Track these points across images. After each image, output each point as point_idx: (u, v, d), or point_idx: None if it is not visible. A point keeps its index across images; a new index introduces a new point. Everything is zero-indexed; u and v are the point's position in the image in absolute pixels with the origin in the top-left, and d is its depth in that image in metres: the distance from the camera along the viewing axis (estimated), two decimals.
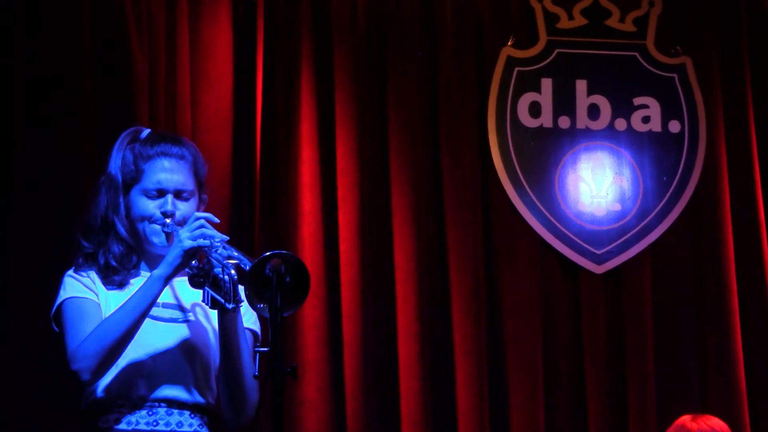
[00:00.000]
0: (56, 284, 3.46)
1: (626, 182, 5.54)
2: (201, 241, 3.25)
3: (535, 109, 5.53)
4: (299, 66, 5.31)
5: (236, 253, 3.22)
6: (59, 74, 5.01)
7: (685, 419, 4.59)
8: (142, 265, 3.49)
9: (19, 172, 4.94)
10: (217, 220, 3.32)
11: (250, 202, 5.20)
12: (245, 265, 3.15)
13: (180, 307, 3.45)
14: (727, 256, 5.47)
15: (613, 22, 5.62)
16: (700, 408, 5.07)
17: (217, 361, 3.42)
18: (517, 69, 5.53)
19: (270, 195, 5.24)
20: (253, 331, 3.47)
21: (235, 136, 5.24)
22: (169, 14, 5.20)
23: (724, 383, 5.38)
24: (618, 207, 5.53)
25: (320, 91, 5.33)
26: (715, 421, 4.58)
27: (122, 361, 3.33)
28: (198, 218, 3.30)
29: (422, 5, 5.47)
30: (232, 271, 3.18)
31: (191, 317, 3.45)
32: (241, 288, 3.21)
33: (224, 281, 3.22)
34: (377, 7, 5.43)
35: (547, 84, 5.55)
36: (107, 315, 3.34)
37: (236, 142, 5.24)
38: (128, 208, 3.46)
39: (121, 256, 3.45)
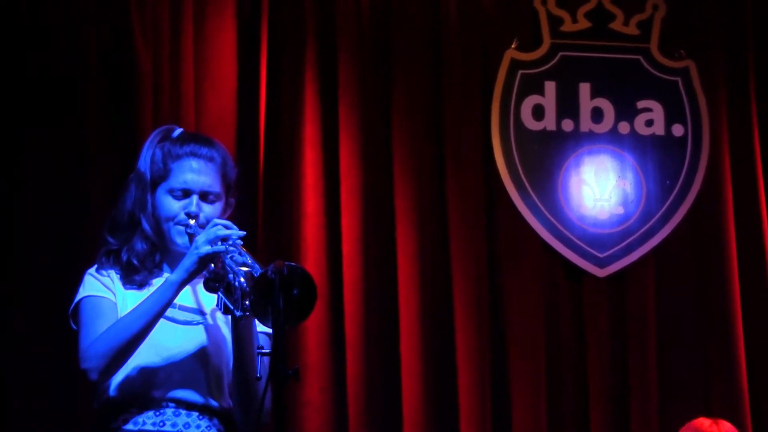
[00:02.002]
0: (65, 283, 3.46)
1: (629, 186, 5.54)
2: (216, 247, 3.24)
3: (538, 112, 5.53)
4: (303, 68, 5.31)
5: (250, 261, 3.19)
6: (64, 75, 5.02)
7: (703, 423, 4.60)
8: (164, 266, 3.48)
9: (24, 172, 4.96)
10: (233, 226, 3.30)
11: (254, 203, 5.20)
12: (257, 274, 3.13)
13: (199, 311, 3.45)
14: (729, 260, 5.47)
15: (617, 25, 5.62)
16: (702, 411, 5.07)
17: (231, 365, 3.42)
18: (520, 72, 5.53)
19: (273, 196, 5.24)
20: (270, 336, 3.41)
21: (238, 137, 5.24)
22: (173, 16, 5.20)
23: (726, 386, 5.39)
24: (621, 210, 5.53)
25: (324, 93, 5.33)
26: (727, 426, 4.60)
27: (135, 362, 3.32)
28: (216, 224, 3.29)
29: (427, 8, 5.47)
30: (242, 279, 3.16)
31: (209, 320, 3.44)
32: None
33: (236, 288, 3.21)
34: (382, 10, 5.43)
35: (550, 87, 5.56)
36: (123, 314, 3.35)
37: (240, 144, 5.23)
38: (155, 207, 3.45)
39: (144, 255, 3.44)
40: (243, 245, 3.27)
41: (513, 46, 5.54)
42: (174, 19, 5.19)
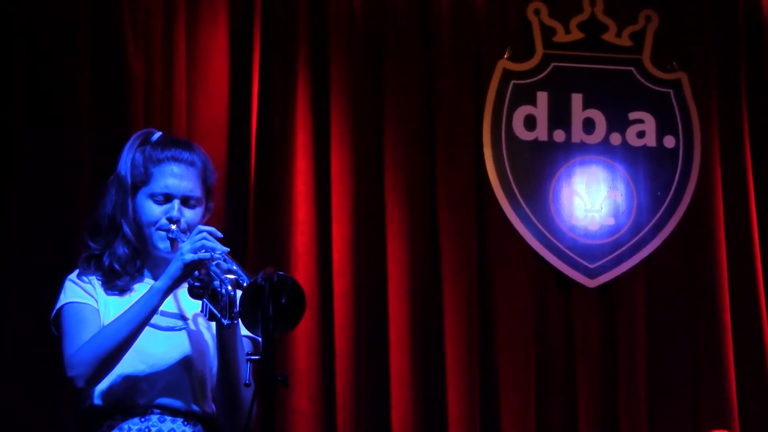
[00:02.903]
0: (54, 285, 3.45)
1: (620, 197, 5.54)
2: (202, 254, 3.22)
3: (530, 122, 5.53)
4: (295, 74, 5.31)
5: (236, 267, 3.18)
6: (57, 79, 5.02)
7: None
8: (146, 271, 3.46)
9: (16, 175, 4.95)
10: (220, 234, 3.28)
11: (245, 210, 5.19)
12: (243, 281, 3.11)
13: (181, 316, 3.43)
14: (720, 271, 5.47)
15: (609, 36, 5.62)
16: (692, 419, 5.07)
17: (215, 370, 3.41)
18: (512, 82, 5.53)
19: (264, 204, 5.23)
20: (253, 339, 3.42)
21: (230, 143, 5.24)
22: (166, 20, 5.19)
23: (716, 397, 5.38)
24: (612, 221, 5.53)
25: (316, 101, 5.33)
26: None
27: (118, 368, 3.31)
28: (201, 231, 3.27)
29: (419, 17, 5.46)
30: (229, 287, 3.14)
31: (191, 326, 3.43)
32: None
33: (222, 295, 3.19)
34: (375, 18, 5.42)
35: (542, 97, 5.56)
36: (106, 321, 3.33)
37: (231, 150, 5.23)
38: (136, 211, 3.43)
39: (125, 260, 3.42)
40: (229, 252, 3.26)
41: (505, 56, 5.54)
42: (166, 23, 5.19)
